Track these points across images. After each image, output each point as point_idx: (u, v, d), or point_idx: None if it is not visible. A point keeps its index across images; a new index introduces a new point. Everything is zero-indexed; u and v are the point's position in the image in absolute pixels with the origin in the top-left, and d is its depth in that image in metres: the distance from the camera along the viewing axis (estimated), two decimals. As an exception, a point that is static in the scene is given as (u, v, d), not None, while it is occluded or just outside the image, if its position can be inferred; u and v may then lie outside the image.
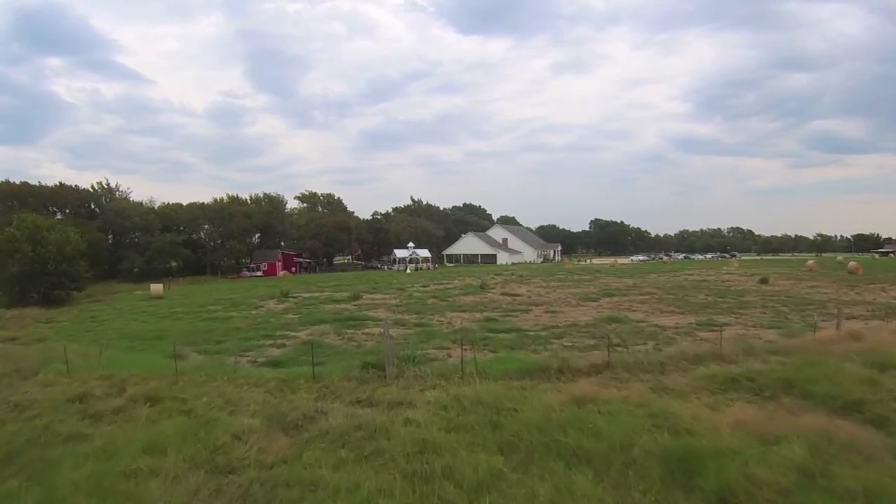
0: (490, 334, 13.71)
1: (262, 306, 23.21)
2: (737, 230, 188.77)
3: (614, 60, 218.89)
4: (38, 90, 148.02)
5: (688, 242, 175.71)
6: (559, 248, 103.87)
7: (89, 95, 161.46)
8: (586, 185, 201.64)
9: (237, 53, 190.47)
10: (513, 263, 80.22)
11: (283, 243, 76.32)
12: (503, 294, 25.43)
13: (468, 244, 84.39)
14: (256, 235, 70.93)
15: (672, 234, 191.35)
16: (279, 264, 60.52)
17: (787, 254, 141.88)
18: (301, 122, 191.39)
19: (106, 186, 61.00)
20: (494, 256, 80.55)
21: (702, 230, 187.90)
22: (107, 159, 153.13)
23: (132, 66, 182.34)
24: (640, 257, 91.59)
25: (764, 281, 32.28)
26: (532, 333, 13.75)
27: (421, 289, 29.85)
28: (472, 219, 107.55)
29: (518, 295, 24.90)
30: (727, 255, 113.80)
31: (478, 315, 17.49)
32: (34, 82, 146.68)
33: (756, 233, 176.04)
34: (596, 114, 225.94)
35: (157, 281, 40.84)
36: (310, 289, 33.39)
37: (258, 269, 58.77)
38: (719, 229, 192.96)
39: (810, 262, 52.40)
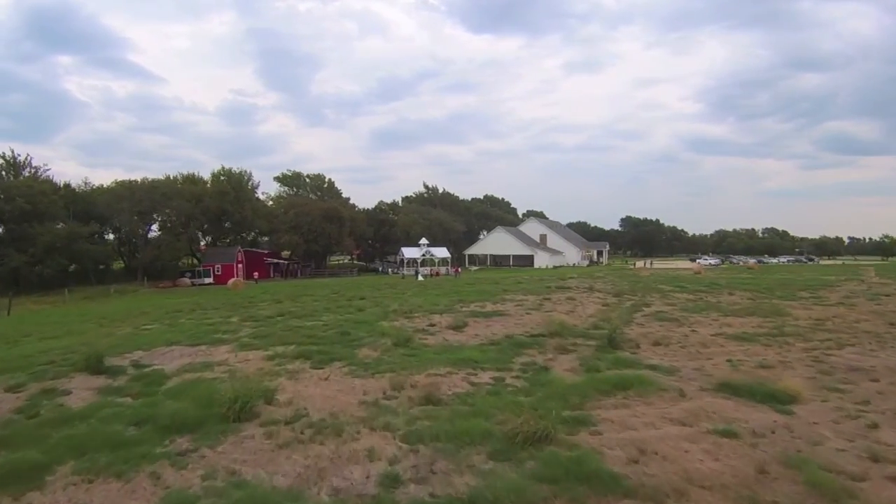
0: None
1: None
2: (772, 231, 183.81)
3: (626, 60, 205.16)
4: (50, 88, 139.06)
5: (726, 243, 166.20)
6: (606, 247, 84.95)
7: (101, 93, 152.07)
8: (597, 186, 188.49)
9: (248, 52, 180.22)
10: (554, 266, 62.44)
11: (264, 238, 59.81)
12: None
13: (497, 241, 66.16)
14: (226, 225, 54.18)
15: (708, 234, 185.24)
16: (239, 266, 43.75)
17: (844, 257, 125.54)
18: (312, 120, 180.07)
19: (10, 160, 44.55)
20: (531, 258, 62.73)
21: (735, 230, 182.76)
22: (119, 157, 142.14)
23: (143, 65, 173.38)
24: (710, 260, 73.37)
25: None
26: None
27: (453, 341, 12.13)
28: (495, 212, 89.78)
29: (794, 400, 7.24)
30: (804, 259, 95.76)
31: None
32: (46, 80, 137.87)
33: (791, 234, 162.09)
34: (608, 114, 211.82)
35: (51, 291, 24.09)
36: (225, 322, 16.32)
37: (208, 275, 42.10)
38: (753, 230, 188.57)
39: None
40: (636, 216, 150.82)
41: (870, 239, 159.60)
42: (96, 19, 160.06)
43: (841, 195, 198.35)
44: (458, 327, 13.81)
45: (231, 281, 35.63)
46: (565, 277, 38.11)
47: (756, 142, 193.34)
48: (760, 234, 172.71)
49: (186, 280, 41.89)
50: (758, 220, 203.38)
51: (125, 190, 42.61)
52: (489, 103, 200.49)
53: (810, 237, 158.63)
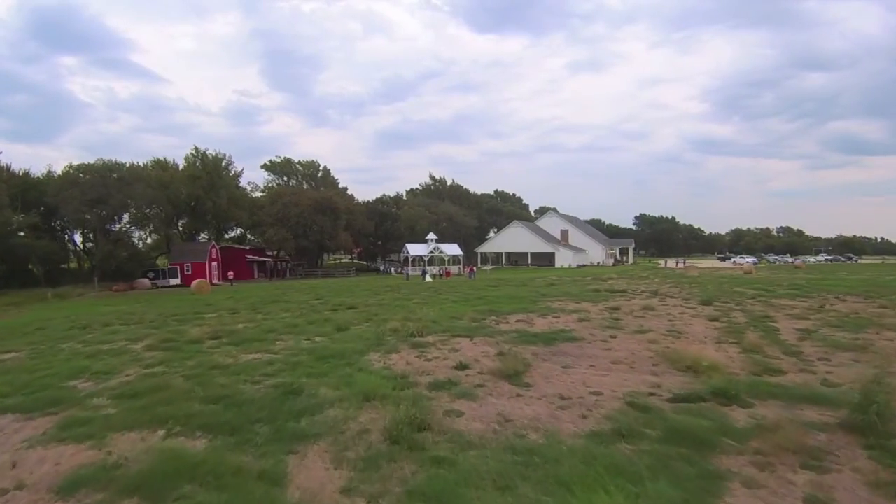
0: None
1: None
2: (787, 230, 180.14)
3: (631, 59, 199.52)
4: (53, 89, 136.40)
5: (743, 242, 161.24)
6: (632, 244, 77.22)
7: (104, 94, 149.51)
8: (603, 186, 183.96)
9: (252, 52, 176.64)
10: (579, 266, 55.58)
11: (251, 236, 53.29)
12: None
13: (513, 238, 59.03)
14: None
15: (724, 232, 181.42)
16: (213, 265, 37.31)
17: (876, 256, 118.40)
18: (316, 121, 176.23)
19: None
20: (552, 255, 55.80)
21: (750, 229, 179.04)
22: (123, 157, 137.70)
23: (147, 65, 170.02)
24: (749, 259, 66.38)
25: None
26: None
27: (521, 422, 5.24)
28: (507, 208, 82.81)
29: None
30: (843, 258, 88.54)
31: None
32: (50, 81, 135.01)
33: (806, 233, 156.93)
34: (613, 114, 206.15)
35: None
36: (122, 351, 9.75)
37: (175, 275, 35.60)
38: (768, 229, 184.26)
39: None
40: (651, 214, 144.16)
41: (882, 238, 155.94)
42: (100, 20, 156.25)
43: (847, 195, 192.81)
44: (513, 375, 7.20)
45: (195, 283, 28.54)
46: (604, 278, 31.46)
47: (761, 142, 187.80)
48: (775, 233, 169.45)
49: (146, 282, 35.27)
50: (763, 220, 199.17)
51: (76, 173, 36.22)
52: (493, 103, 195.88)
53: (823, 236, 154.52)
